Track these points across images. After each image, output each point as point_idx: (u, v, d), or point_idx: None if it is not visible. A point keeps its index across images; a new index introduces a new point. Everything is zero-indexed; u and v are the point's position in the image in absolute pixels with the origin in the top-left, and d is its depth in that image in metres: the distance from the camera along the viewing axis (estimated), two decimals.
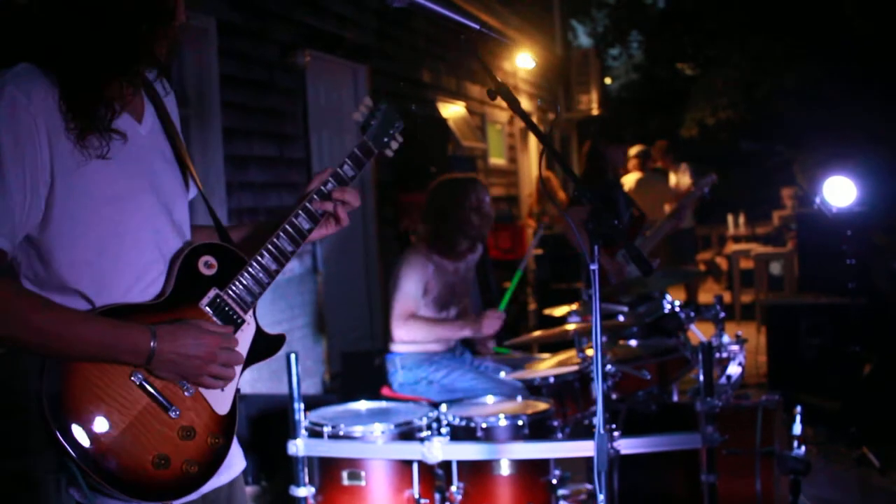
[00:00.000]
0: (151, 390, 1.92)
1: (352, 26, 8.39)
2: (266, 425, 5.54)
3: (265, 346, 2.13)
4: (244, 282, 2.08)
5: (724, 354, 4.28)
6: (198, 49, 6.21)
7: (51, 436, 1.81)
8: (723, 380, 3.99)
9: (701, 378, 3.47)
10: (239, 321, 2.07)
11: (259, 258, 2.11)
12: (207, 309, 2.03)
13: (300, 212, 2.18)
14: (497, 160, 13.21)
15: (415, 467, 3.70)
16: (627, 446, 3.42)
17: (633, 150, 10.29)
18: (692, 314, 4.65)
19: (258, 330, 2.12)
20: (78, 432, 1.82)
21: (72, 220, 1.91)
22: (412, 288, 4.54)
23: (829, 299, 6.98)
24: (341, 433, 3.75)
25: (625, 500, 3.80)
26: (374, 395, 4.36)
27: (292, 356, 3.68)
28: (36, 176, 1.86)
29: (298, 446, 3.69)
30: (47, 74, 1.88)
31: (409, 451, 3.65)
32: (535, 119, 13.43)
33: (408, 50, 9.91)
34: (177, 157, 2.13)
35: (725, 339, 4.37)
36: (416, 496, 3.71)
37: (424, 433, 3.75)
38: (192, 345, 1.93)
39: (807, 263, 7.84)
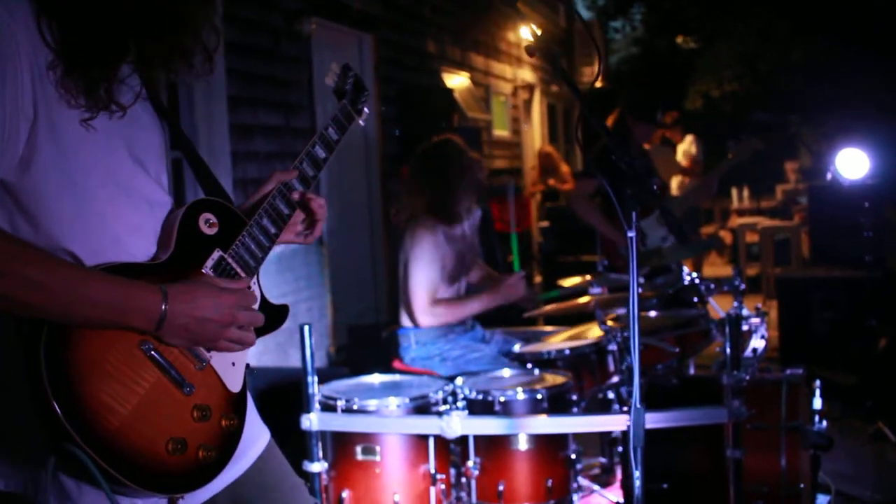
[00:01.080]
0: (163, 362, 1.68)
1: None
2: (274, 398, 5.45)
3: (270, 317, 1.92)
4: (247, 243, 1.89)
5: (746, 327, 4.18)
6: None
7: (50, 416, 1.53)
8: (748, 353, 3.89)
9: (728, 351, 3.37)
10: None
11: (258, 219, 1.93)
12: (211, 273, 1.82)
13: (295, 177, 2.04)
14: (501, 132, 13.09)
15: (431, 442, 3.62)
16: (652, 421, 3.31)
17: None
18: (712, 286, 4.56)
19: (263, 299, 1.93)
20: (84, 410, 1.56)
21: (58, 166, 1.66)
22: (430, 271, 4.39)
23: (843, 272, 6.89)
24: (355, 407, 3.65)
25: (646, 475, 3.71)
26: (382, 369, 4.26)
27: (306, 328, 3.58)
28: (16, 104, 1.60)
29: (312, 420, 3.59)
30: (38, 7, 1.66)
31: (428, 425, 3.56)
32: (538, 91, 13.32)
33: (413, 19, 9.78)
34: (156, 110, 1.93)
35: (745, 311, 4.27)
36: (433, 471, 3.62)
37: (441, 407, 3.66)
38: (208, 306, 1.70)
39: (818, 236, 7.75)
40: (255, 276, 1.93)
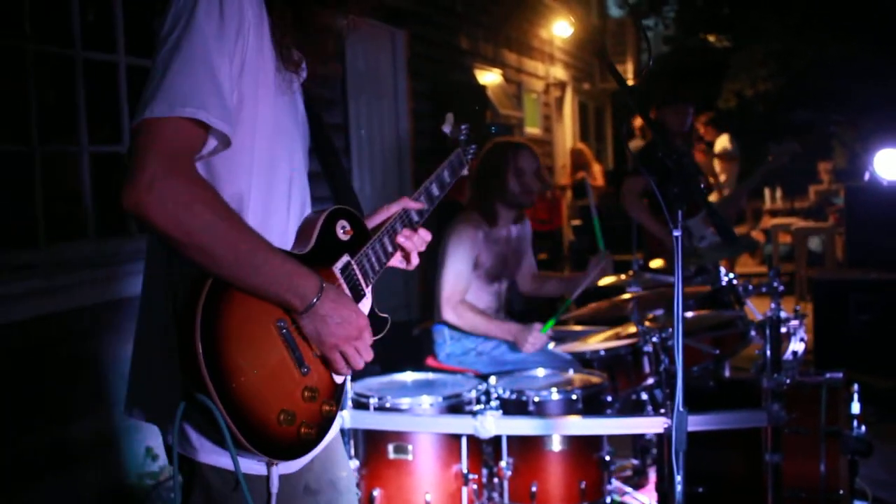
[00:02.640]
0: (291, 342, 1.84)
1: None
2: None
3: (375, 325, 2.06)
4: (370, 255, 2.07)
5: (784, 329, 4.12)
6: None
7: (193, 365, 1.67)
8: (788, 356, 3.83)
9: (768, 353, 3.32)
10: (362, 293, 2.04)
11: (381, 236, 2.12)
12: (339, 274, 1.99)
13: (419, 207, 2.23)
14: (532, 129, 13.04)
15: (463, 441, 3.59)
16: (691, 424, 3.25)
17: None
18: (750, 287, 4.49)
19: (372, 308, 2.08)
20: (222, 365, 1.70)
21: (251, 140, 1.84)
22: (462, 266, 4.33)
23: (879, 274, 6.78)
24: (388, 405, 3.63)
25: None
26: (413, 366, 4.23)
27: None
28: (235, 73, 1.77)
29: (344, 418, 3.56)
30: None
31: (461, 424, 3.53)
32: (570, 89, 13.25)
33: (446, 15, 9.74)
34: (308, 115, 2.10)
35: (783, 314, 4.20)
36: (465, 471, 3.59)
37: (475, 406, 3.62)
38: (349, 315, 1.87)
39: (855, 237, 7.63)
40: (371, 286, 2.09)
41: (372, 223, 2.21)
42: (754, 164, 10.09)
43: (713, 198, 9.66)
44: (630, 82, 3.06)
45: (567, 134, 15.15)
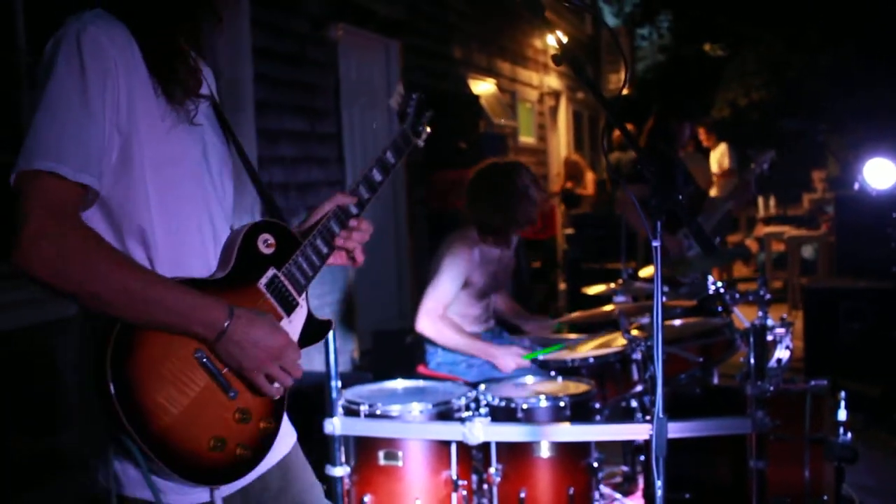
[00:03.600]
0: (213, 369, 1.84)
1: (384, 0, 8.28)
2: (296, 402, 5.46)
3: (313, 331, 2.08)
4: (300, 263, 2.03)
5: (770, 337, 4.16)
6: (230, 20, 6.12)
7: (110, 409, 1.70)
8: (772, 363, 3.87)
9: (751, 361, 3.36)
10: (294, 303, 2.02)
11: (313, 240, 2.07)
12: (265, 290, 1.97)
13: (353, 202, 2.18)
14: (526, 138, 13.10)
15: (453, 448, 3.61)
16: (675, 430, 3.30)
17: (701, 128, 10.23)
18: (737, 296, 4.54)
19: (309, 314, 2.07)
20: (140, 410, 1.72)
21: (143, 177, 1.83)
22: (451, 284, 4.35)
23: (869, 283, 6.84)
24: (378, 412, 3.66)
25: (668, 485, 3.70)
26: (405, 374, 4.26)
27: (330, 333, 3.57)
28: (113, 120, 1.77)
29: (335, 425, 3.60)
30: (122, 22, 1.83)
31: (450, 431, 3.56)
32: (564, 98, 13.33)
33: (439, 25, 9.80)
34: (225, 136, 2.08)
35: (770, 321, 4.25)
36: (454, 477, 3.62)
37: (464, 413, 3.66)
38: (264, 336, 1.85)
39: (845, 246, 7.69)
40: (305, 293, 2.06)
41: (309, 225, 2.19)
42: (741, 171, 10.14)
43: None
44: (623, 91, 3.12)
45: (561, 143, 15.21)
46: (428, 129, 2.37)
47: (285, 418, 2.12)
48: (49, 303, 4.18)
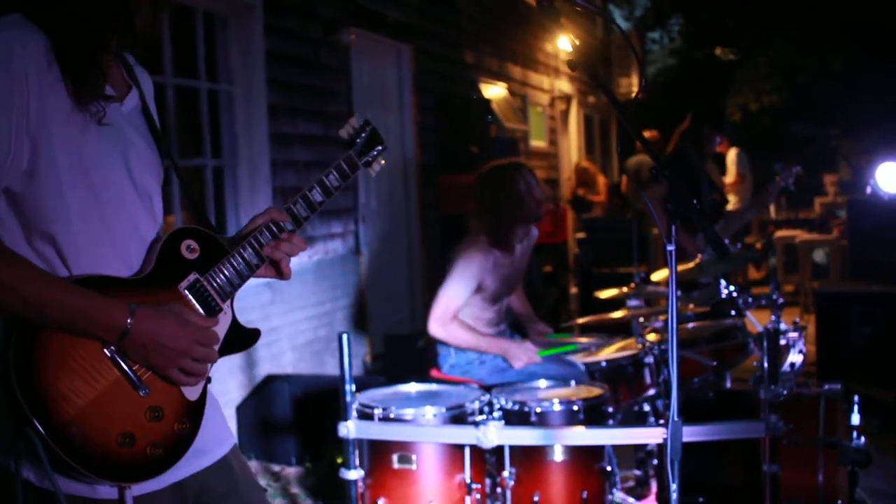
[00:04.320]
0: (123, 365, 1.84)
1: (395, 5, 8.31)
2: (310, 406, 5.50)
3: (239, 339, 2.08)
4: (225, 271, 2.04)
5: (784, 341, 4.17)
6: (244, 25, 6.15)
7: (13, 400, 1.72)
8: (786, 367, 3.88)
9: (765, 365, 3.37)
10: (217, 308, 2.02)
11: (241, 250, 2.07)
12: (186, 293, 1.98)
13: (286, 218, 2.14)
14: (538, 142, 13.11)
15: (466, 451, 3.63)
16: (689, 434, 3.31)
17: None
18: (749, 300, 4.54)
19: (234, 321, 2.07)
20: (43, 398, 1.74)
21: (57, 179, 1.84)
22: (462, 288, 4.37)
23: (882, 287, 6.83)
24: (392, 416, 3.68)
25: (682, 488, 3.70)
26: (417, 377, 4.28)
27: (344, 336, 3.61)
28: (22, 124, 1.79)
29: (350, 428, 3.62)
30: (38, 28, 1.84)
31: (464, 434, 3.58)
32: (575, 102, 13.33)
33: (451, 30, 9.83)
34: (155, 141, 2.08)
35: (783, 325, 4.25)
36: (468, 480, 3.64)
37: (478, 417, 3.68)
38: (169, 333, 1.86)
39: (857, 250, 7.68)
40: (230, 301, 2.07)
41: (241, 236, 2.17)
42: (761, 178, 10.15)
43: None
44: (634, 95, 3.13)
45: (572, 147, 15.22)
46: (382, 162, 2.35)
47: (223, 421, 2.16)
48: None
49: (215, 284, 2.02)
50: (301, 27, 6.76)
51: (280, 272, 2.20)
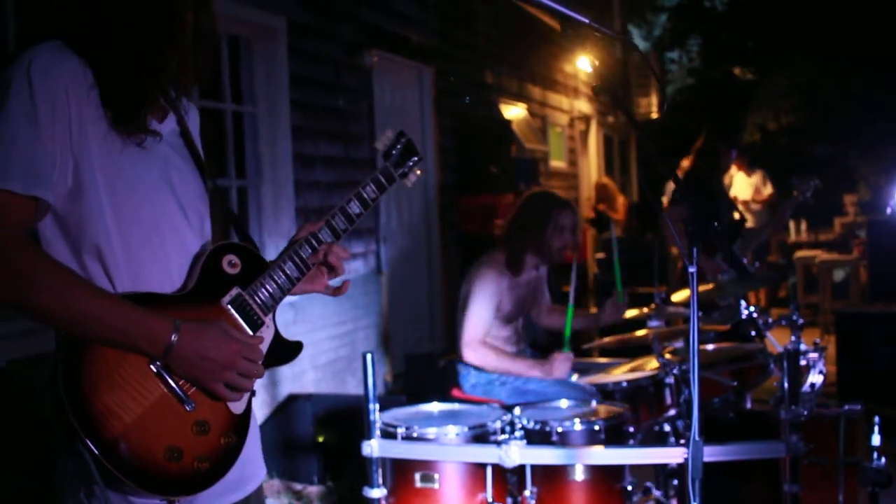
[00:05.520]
0: (170, 380, 1.86)
1: (416, 27, 8.39)
2: (332, 425, 5.54)
3: (281, 352, 2.10)
4: (267, 285, 2.06)
5: (804, 362, 4.17)
6: (268, 48, 6.23)
7: (63, 417, 1.75)
8: (806, 388, 3.89)
9: (785, 385, 3.39)
10: (259, 322, 2.05)
11: (282, 263, 2.10)
12: (229, 307, 2.00)
13: (323, 226, 2.18)
14: (557, 163, 13.16)
15: (488, 470, 3.66)
16: (709, 454, 3.33)
17: None
18: (770, 320, 4.56)
19: (276, 335, 2.09)
20: (92, 414, 1.76)
21: (98, 198, 1.87)
22: (485, 311, 4.45)
23: None
24: (415, 434, 3.72)
25: None
26: (438, 397, 4.32)
27: (368, 356, 3.66)
28: (66, 142, 1.83)
29: (373, 447, 3.66)
30: (79, 55, 1.88)
31: (486, 454, 3.61)
32: (595, 122, 13.38)
33: (471, 51, 9.90)
34: (196, 165, 2.12)
35: (803, 346, 4.27)
36: (490, 499, 3.66)
37: (499, 436, 3.71)
38: (213, 347, 1.87)
39: (877, 271, 7.68)
40: (272, 314, 2.09)
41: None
42: (780, 197, 10.13)
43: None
44: (653, 115, 3.17)
45: (592, 167, 15.26)
46: (418, 172, 2.39)
47: (258, 452, 2.17)
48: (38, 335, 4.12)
49: (257, 299, 2.04)
50: (324, 50, 6.84)
51: (337, 287, 2.26)
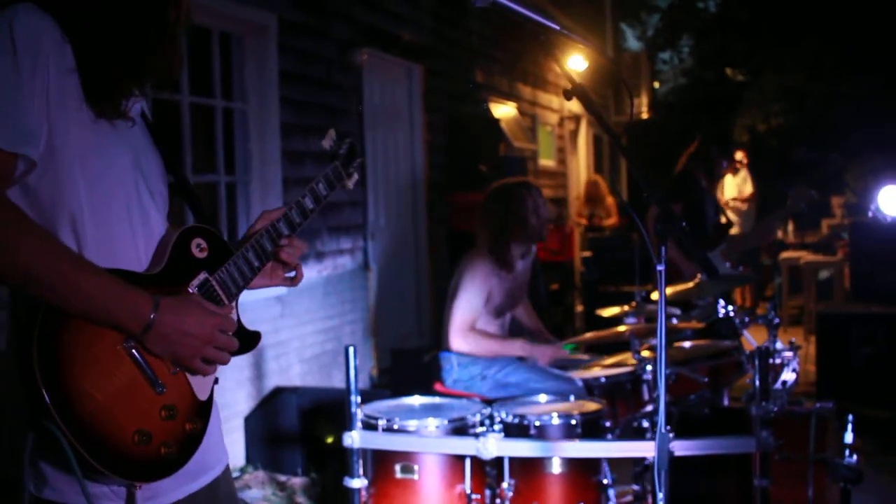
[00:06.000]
0: (141, 361, 1.82)
1: (408, 26, 8.46)
2: (316, 418, 5.61)
3: (244, 340, 2.06)
4: (232, 271, 2.05)
5: (778, 360, 4.27)
6: (259, 44, 6.30)
7: (34, 392, 1.68)
8: (778, 385, 3.99)
9: (756, 382, 3.48)
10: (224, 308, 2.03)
11: (245, 252, 2.09)
12: (196, 291, 1.97)
13: (281, 220, 2.18)
14: (546, 161, 13.23)
15: (467, 463, 3.73)
16: (681, 448, 3.43)
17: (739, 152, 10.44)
18: (746, 319, 4.65)
19: (238, 323, 2.07)
20: (65, 392, 1.71)
21: (72, 169, 1.82)
22: (474, 298, 4.55)
23: (882, 308, 6.93)
24: (396, 427, 3.79)
25: (676, 502, 3.80)
26: (421, 391, 4.40)
27: (351, 349, 3.73)
28: (42, 105, 1.77)
29: (354, 438, 3.73)
30: (58, 23, 1.82)
31: (464, 446, 3.68)
32: (585, 121, 13.41)
33: (462, 50, 9.97)
34: (156, 146, 2.08)
35: (779, 345, 4.36)
36: (468, 491, 3.74)
37: (478, 429, 3.79)
38: (193, 322, 1.85)
39: (859, 272, 7.78)
40: (235, 301, 2.08)
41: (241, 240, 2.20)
42: (766, 200, 10.23)
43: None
44: (644, 115, 3.25)
45: (581, 166, 15.34)
46: (356, 176, 2.41)
47: (220, 438, 2.14)
48: None
49: (223, 284, 2.03)
50: (315, 47, 6.90)
51: (291, 279, 2.26)
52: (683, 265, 5.75)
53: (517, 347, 4.58)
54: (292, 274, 2.27)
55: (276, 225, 2.16)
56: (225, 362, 1.95)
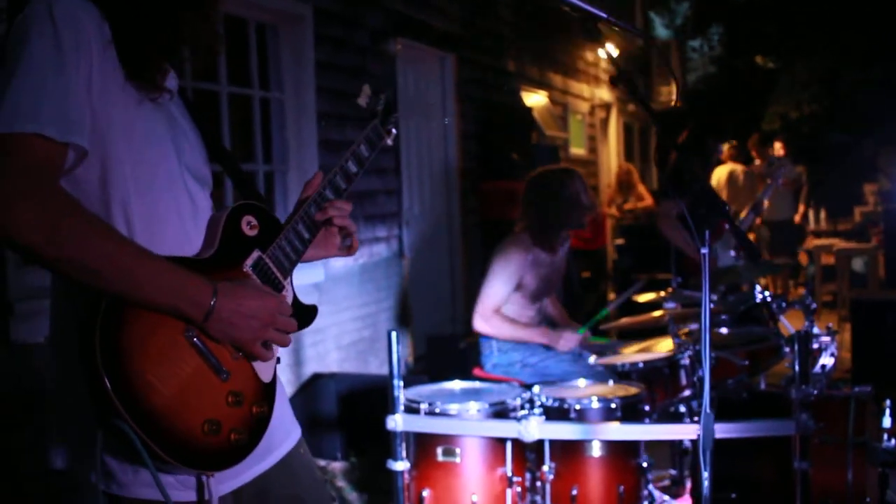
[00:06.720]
0: (203, 349, 1.79)
1: (439, 14, 8.50)
2: (355, 403, 5.68)
3: (300, 316, 2.01)
4: (284, 246, 2.02)
5: (816, 345, 4.29)
6: (294, 34, 6.36)
7: (100, 391, 1.64)
8: (817, 369, 4.01)
9: (796, 366, 3.50)
10: (279, 286, 2.00)
11: (294, 225, 2.06)
12: (251, 271, 1.94)
13: (326, 187, 2.16)
14: (577, 150, 13.24)
15: (508, 446, 3.77)
16: (722, 431, 3.45)
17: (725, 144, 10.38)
18: (783, 304, 4.67)
19: (295, 298, 2.05)
20: (132, 388, 1.67)
21: (117, 155, 1.79)
22: (504, 285, 4.60)
23: None
24: (438, 410, 3.84)
25: (714, 485, 3.84)
26: (460, 376, 4.45)
27: (393, 334, 3.78)
28: (87, 90, 1.73)
29: (397, 421, 3.78)
30: (96, 4, 1.79)
31: (506, 428, 3.73)
32: (615, 110, 13.40)
33: (493, 39, 10.00)
34: (196, 124, 2.06)
35: (816, 330, 4.38)
36: (509, 474, 3.78)
37: (519, 413, 3.83)
38: (253, 306, 1.83)
39: (893, 259, 7.76)
40: (290, 277, 2.05)
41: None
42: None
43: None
44: (673, 103, 3.28)
45: (612, 154, 15.33)
46: (394, 131, 2.37)
47: (288, 412, 2.14)
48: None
49: (276, 261, 2.00)
50: (349, 36, 6.95)
51: (348, 247, 2.25)
52: (689, 251, 5.82)
53: (537, 334, 4.63)
54: (348, 242, 2.27)
55: (323, 192, 2.14)
56: (286, 344, 1.93)
